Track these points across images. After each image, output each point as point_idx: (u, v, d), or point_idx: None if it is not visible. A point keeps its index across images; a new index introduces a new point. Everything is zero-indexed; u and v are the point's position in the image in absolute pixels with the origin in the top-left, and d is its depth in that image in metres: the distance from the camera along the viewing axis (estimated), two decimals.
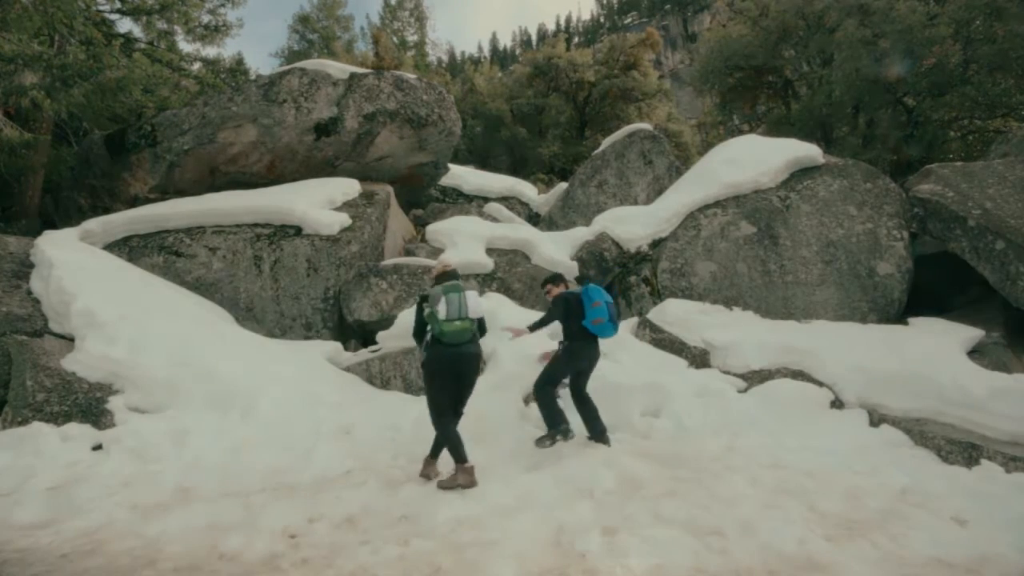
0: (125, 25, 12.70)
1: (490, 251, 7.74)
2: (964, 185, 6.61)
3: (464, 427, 4.43)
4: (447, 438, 3.49)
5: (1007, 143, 7.99)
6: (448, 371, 3.53)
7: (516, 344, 5.51)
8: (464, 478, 3.35)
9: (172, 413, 4.34)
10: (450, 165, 11.09)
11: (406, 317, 5.91)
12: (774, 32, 14.07)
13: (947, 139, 12.27)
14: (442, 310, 3.38)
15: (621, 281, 7.51)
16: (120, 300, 5.40)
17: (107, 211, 8.08)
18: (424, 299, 3.62)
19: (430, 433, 4.37)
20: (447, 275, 3.77)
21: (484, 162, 19.51)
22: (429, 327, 3.51)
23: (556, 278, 4.47)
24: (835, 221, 7.00)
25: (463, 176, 12.49)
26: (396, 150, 8.89)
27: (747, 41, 14.57)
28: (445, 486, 3.35)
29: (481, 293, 7.11)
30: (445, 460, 3.66)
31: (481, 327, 3.72)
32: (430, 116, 8.71)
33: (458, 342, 3.46)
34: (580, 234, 7.93)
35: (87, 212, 8.37)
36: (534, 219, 11.26)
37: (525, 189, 12.58)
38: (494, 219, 10.18)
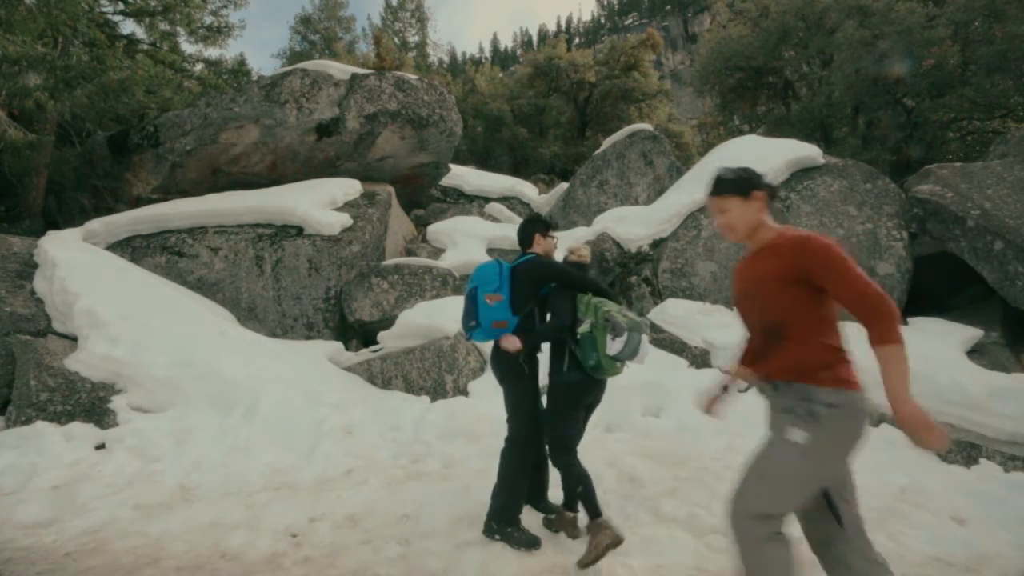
0: (128, 27, 12.76)
1: (491, 251, 7.77)
2: (963, 186, 6.63)
3: (465, 427, 4.46)
4: (582, 479, 2.67)
5: (1005, 144, 8.00)
6: (581, 402, 2.85)
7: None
8: (607, 536, 2.51)
9: (174, 413, 4.36)
10: (451, 165, 11.11)
11: (407, 317, 5.93)
12: (774, 33, 14.10)
13: (946, 140, 12.29)
14: (616, 347, 2.57)
15: (622, 281, 7.52)
16: (123, 300, 5.42)
17: (110, 211, 8.10)
18: (592, 304, 2.72)
19: (430, 433, 4.40)
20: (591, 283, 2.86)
21: (485, 162, 19.54)
22: (577, 345, 2.72)
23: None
24: (835, 221, 7.01)
25: (464, 176, 12.51)
26: (397, 150, 8.91)
27: (747, 42, 14.61)
28: (587, 561, 2.51)
29: None
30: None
31: None
32: (431, 116, 8.73)
33: (604, 377, 2.82)
34: (581, 234, 7.95)
35: (90, 212, 8.39)
36: None
37: (526, 189, 12.61)
38: (495, 219, 10.20)
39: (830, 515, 1.70)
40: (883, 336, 1.55)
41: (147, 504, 3.24)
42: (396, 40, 26.58)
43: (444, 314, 5.79)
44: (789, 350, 1.70)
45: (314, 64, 8.69)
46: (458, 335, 5.64)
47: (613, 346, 2.57)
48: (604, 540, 2.49)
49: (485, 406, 4.78)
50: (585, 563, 2.50)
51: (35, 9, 8.03)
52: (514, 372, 2.83)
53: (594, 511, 2.60)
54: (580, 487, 2.64)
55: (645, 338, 2.62)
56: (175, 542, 2.81)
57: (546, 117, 20.95)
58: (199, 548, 2.76)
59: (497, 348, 2.82)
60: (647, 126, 11.08)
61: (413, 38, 28.31)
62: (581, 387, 2.77)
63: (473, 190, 12.26)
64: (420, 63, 25.13)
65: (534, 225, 3.00)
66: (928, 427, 1.48)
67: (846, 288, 1.60)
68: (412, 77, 8.93)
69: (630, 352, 2.58)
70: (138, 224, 7.13)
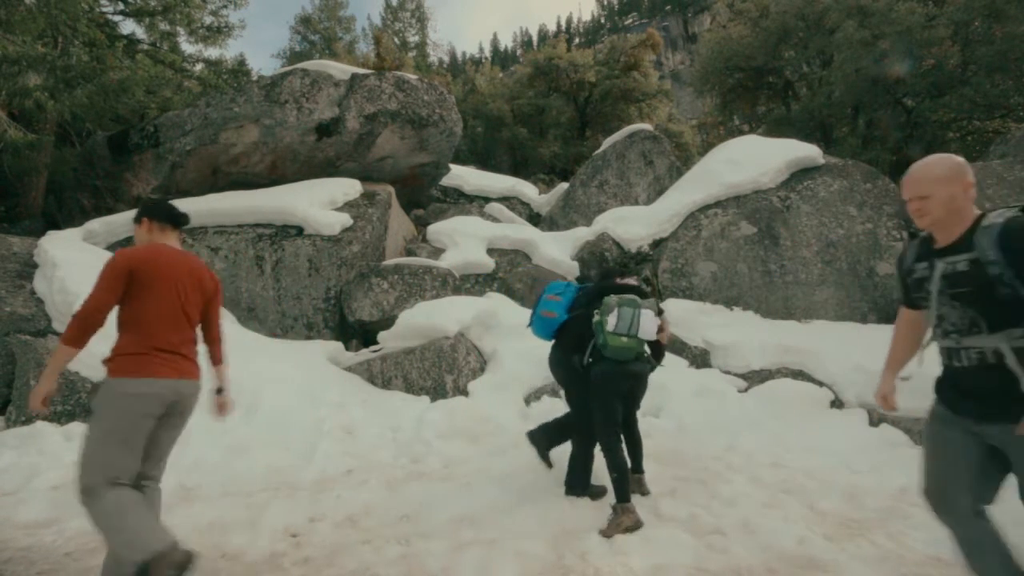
0: (128, 27, 12.76)
1: (491, 251, 7.76)
2: None
3: (465, 427, 4.46)
4: (618, 466, 3.05)
5: (1005, 144, 8.01)
6: (615, 389, 3.23)
7: (517, 343, 5.53)
8: (629, 519, 2.90)
9: None
10: (451, 165, 11.10)
11: (407, 317, 5.93)
12: (774, 33, 14.10)
13: (946, 140, 12.28)
14: (611, 321, 3.11)
15: None
16: None
17: (110, 211, 8.10)
18: (594, 303, 3.31)
19: (430, 433, 4.40)
20: (626, 288, 3.39)
21: (485, 162, 19.53)
22: (595, 338, 3.25)
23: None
24: (835, 221, 7.01)
25: (464, 176, 12.51)
26: (397, 150, 8.91)
27: (747, 42, 14.61)
28: (608, 533, 2.86)
29: (482, 293, 7.13)
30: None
31: (657, 352, 3.43)
32: (431, 116, 8.73)
33: (623, 359, 3.19)
34: (581, 234, 7.94)
35: (90, 212, 8.38)
36: (535, 219, 11.28)
37: (526, 189, 12.60)
38: (495, 219, 10.20)
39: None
40: (62, 338, 2.17)
41: None
42: (396, 40, 26.56)
43: (444, 314, 5.79)
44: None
45: (314, 64, 8.68)
46: (458, 335, 5.64)
47: (609, 322, 3.10)
48: (626, 522, 2.86)
49: (485, 406, 4.78)
50: (606, 534, 2.85)
51: (35, 9, 8.03)
52: (569, 372, 3.45)
53: (623, 497, 2.97)
54: (615, 473, 3.01)
55: (645, 312, 3.11)
56: None
57: (546, 117, 20.95)
58: (199, 548, 2.75)
59: (557, 353, 3.50)
60: (647, 126, 11.07)
61: (413, 38, 28.32)
62: (607, 376, 3.19)
63: (473, 190, 12.26)
64: (420, 63, 25.12)
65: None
66: (37, 397, 2.15)
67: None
68: (412, 77, 8.92)
69: (624, 324, 3.08)
70: None
